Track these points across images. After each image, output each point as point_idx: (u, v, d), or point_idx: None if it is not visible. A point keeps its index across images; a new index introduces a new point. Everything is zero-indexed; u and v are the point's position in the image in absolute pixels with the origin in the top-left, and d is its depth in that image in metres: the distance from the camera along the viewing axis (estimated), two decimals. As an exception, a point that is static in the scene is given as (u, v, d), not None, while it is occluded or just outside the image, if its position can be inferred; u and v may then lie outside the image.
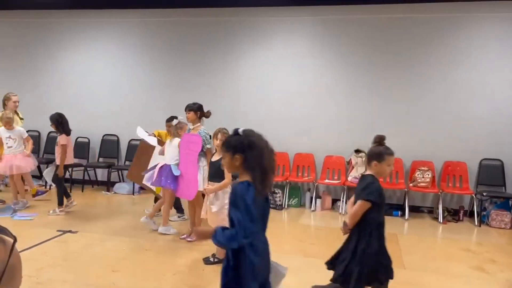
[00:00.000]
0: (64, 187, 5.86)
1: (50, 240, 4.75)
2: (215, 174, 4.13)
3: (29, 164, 6.06)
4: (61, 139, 5.67)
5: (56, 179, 5.81)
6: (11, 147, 5.89)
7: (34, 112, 7.31)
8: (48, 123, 5.73)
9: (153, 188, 5.34)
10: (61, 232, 5.01)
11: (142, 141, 5.68)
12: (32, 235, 4.86)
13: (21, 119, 5.90)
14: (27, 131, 7.24)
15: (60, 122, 5.67)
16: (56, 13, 7.71)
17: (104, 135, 7.62)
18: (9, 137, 5.87)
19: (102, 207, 6.29)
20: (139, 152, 5.67)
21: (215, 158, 4.21)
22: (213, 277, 3.92)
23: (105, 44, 7.70)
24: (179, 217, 5.68)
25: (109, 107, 7.54)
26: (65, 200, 5.85)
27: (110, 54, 7.68)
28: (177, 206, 5.65)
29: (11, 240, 0.94)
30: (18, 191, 6.05)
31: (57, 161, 5.77)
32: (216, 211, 4.04)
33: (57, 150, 5.75)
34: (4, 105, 5.86)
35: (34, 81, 7.93)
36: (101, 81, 7.66)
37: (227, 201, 4.04)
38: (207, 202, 4.15)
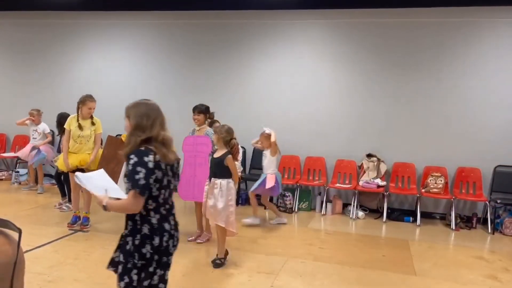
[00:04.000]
0: (62, 185, 6.09)
1: (61, 239, 4.80)
2: (218, 171, 4.14)
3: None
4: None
5: (61, 176, 6.06)
6: (36, 138, 6.94)
7: (50, 111, 7.39)
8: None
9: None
10: (73, 231, 5.06)
11: (109, 140, 5.05)
12: (44, 233, 4.92)
13: (93, 124, 5.20)
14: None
15: (59, 123, 5.99)
16: (73, 14, 7.82)
17: (116, 135, 7.67)
18: (35, 130, 6.94)
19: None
20: (105, 160, 4.84)
21: (216, 154, 4.20)
22: (222, 279, 3.92)
23: (121, 45, 7.77)
24: None
25: (122, 107, 7.60)
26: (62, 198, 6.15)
27: (125, 55, 7.75)
28: None
29: (16, 233, 0.93)
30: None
31: None
32: (222, 206, 4.05)
33: None
34: (79, 108, 5.13)
35: (50, 80, 8.05)
36: (116, 81, 7.73)
37: (231, 197, 4.09)
38: (209, 200, 4.15)
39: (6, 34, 8.31)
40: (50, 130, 7.01)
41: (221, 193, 4.08)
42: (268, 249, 4.76)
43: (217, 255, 4.22)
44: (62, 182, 6.07)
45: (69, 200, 6.01)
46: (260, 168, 7.06)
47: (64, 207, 5.96)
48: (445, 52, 6.37)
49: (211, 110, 4.99)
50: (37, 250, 4.39)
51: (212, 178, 4.18)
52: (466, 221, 6.12)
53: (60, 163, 5.29)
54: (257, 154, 7.08)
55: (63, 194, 6.12)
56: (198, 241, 4.87)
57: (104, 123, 5.47)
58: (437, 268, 4.44)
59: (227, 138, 4.13)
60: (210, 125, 5.69)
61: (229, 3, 6.92)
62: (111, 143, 5.15)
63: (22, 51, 8.21)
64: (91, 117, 5.18)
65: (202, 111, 4.86)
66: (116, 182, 4.90)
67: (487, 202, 6.03)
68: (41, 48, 8.09)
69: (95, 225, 5.33)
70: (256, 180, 6.86)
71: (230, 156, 4.10)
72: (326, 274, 4.14)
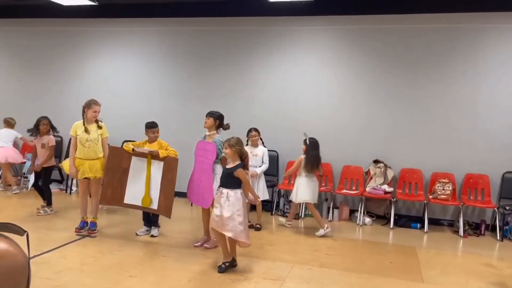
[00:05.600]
0: (41, 190, 6.12)
1: (69, 244, 4.83)
2: (227, 181, 4.16)
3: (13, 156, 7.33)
4: (51, 140, 6.07)
5: (43, 180, 6.10)
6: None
7: (58, 118, 7.47)
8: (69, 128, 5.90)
9: (139, 204, 4.99)
10: (80, 236, 5.09)
11: (111, 151, 5.17)
12: (52, 238, 4.96)
13: (100, 127, 5.20)
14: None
15: (52, 125, 6.16)
16: (81, 22, 7.90)
17: (123, 141, 7.72)
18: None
19: (121, 213, 6.37)
20: (110, 171, 5.08)
21: (229, 165, 4.23)
22: (228, 284, 3.92)
23: (128, 52, 7.83)
24: (147, 230, 5.31)
25: (130, 113, 7.66)
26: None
27: (132, 62, 7.81)
28: (147, 219, 5.33)
29: (18, 239, 0.93)
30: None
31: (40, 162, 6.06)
32: (229, 216, 4.05)
33: (43, 152, 6.05)
34: (84, 113, 5.16)
35: (59, 87, 8.12)
36: (123, 88, 7.79)
37: (239, 207, 4.09)
38: (215, 209, 4.17)
39: (14, 41, 8.41)
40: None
41: (227, 203, 4.07)
42: (274, 255, 4.76)
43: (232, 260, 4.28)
44: (41, 186, 6.09)
45: (48, 204, 6.03)
46: (272, 174, 7.03)
47: (41, 211, 5.98)
48: (452, 58, 6.35)
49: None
50: (44, 255, 4.42)
51: (221, 187, 4.20)
52: (475, 228, 6.07)
53: (66, 168, 5.35)
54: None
55: (44, 198, 6.07)
56: (205, 245, 4.88)
57: (112, 130, 5.51)
58: (445, 275, 4.40)
59: (242, 149, 4.22)
60: (247, 134, 5.89)
61: (236, 10, 6.96)
62: (114, 154, 5.17)
63: (30, 58, 8.30)
64: (96, 121, 5.22)
65: (212, 115, 4.91)
66: (124, 192, 4.98)
67: (495, 209, 5.98)
68: (49, 55, 8.18)
69: (102, 230, 5.35)
70: (267, 185, 6.77)
71: (241, 168, 4.15)
72: (332, 281, 4.12)
